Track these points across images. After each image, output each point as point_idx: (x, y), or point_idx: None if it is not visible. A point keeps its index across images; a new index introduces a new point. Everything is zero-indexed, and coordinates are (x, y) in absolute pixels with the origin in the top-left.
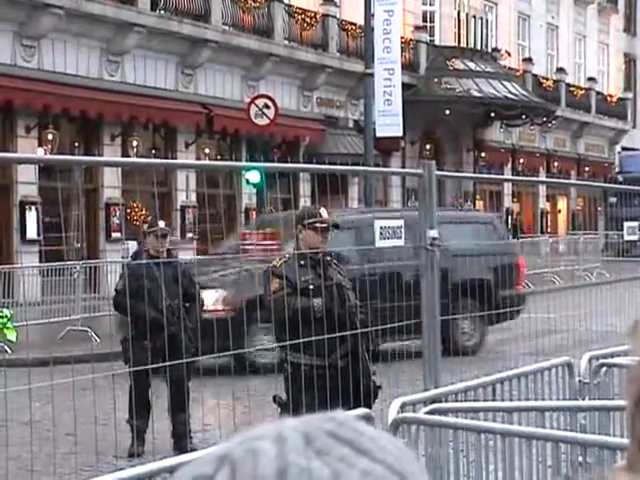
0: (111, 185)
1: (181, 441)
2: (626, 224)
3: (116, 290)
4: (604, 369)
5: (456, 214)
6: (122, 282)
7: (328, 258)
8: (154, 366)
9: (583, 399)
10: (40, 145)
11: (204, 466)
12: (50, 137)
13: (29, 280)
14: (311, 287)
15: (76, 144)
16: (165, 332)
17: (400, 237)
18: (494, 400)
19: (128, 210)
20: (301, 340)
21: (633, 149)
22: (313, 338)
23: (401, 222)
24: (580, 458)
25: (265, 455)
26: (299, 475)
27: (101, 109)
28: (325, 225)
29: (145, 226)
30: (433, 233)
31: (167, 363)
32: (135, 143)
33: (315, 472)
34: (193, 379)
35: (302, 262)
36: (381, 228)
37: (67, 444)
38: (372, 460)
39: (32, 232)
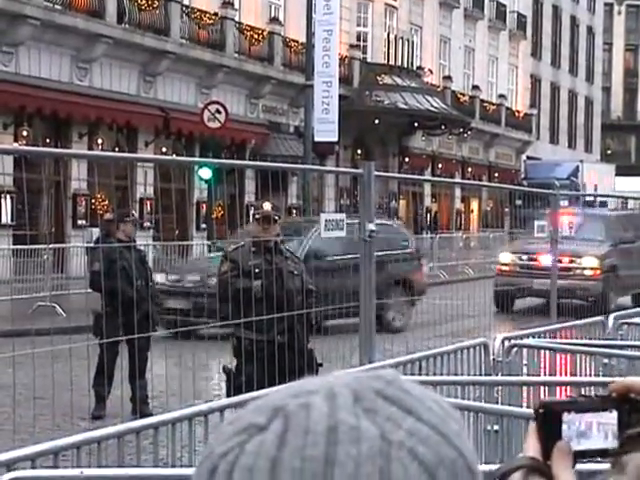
0: (78, 178)
1: (140, 405)
2: (536, 223)
3: (93, 271)
4: (515, 349)
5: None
6: (98, 264)
7: (284, 248)
8: (125, 337)
9: (496, 375)
10: (16, 140)
11: (258, 416)
12: (25, 133)
13: (2, 261)
14: (257, 271)
15: (47, 140)
16: (135, 309)
17: (342, 229)
18: (420, 374)
19: (92, 201)
20: (243, 319)
21: (536, 158)
22: (256, 318)
23: (343, 216)
24: (496, 427)
25: (317, 411)
26: (348, 433)
27: (71, 110)
28: (263, 216)
29: (109, 215)
30: (371, 226)
31: (135, 335)
32: (100, 141)
33: (363, 431)
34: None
35: (254, 249)
36: (326, 221)
37: (38, 407)
38: (418, 420)
39: (6, 218)
